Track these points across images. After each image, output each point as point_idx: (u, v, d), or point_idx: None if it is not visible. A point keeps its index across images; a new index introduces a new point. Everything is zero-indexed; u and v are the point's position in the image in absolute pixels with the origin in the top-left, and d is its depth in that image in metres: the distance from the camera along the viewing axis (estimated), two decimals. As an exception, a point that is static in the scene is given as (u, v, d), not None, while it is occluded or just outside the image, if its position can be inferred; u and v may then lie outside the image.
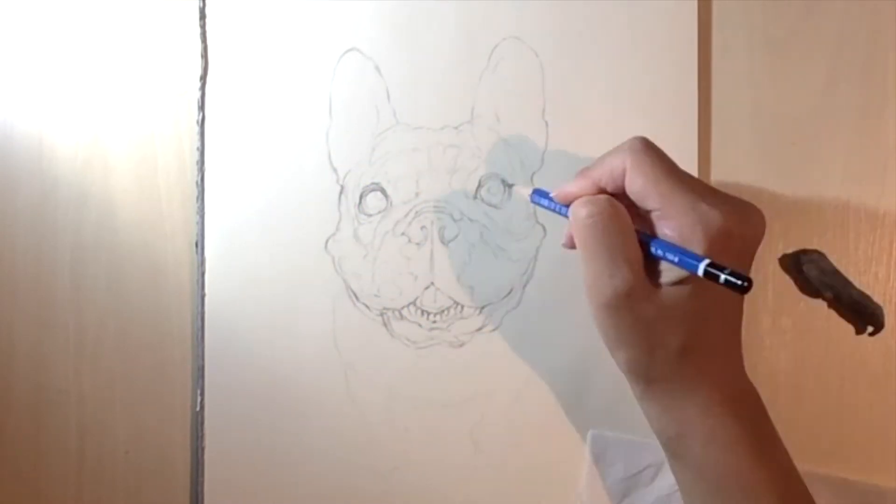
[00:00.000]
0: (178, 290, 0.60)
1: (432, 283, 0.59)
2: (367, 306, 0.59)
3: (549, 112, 0.60)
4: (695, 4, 0.60)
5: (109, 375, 0.60)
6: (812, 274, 0.59)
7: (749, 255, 0.48)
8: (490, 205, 0.59)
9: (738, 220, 0.46)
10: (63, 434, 0.60)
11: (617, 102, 0.60)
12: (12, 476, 0.59)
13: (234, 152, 0.59)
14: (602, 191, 0.49)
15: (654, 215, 0.48)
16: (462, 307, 0.59)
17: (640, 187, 0.47)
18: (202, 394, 0.58)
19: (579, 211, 0.48)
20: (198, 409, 0.58)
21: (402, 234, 0.59)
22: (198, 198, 0.59)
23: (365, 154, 0.59)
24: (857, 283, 0.60)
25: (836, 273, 0.59)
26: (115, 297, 0.60)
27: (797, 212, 0.61)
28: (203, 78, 0.59)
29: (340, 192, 0.59)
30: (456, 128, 0.60)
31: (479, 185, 0.59)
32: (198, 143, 0.59)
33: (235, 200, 0.59)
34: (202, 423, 0.58)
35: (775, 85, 0.61)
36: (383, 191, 0.59)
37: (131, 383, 0.60)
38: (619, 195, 0.49)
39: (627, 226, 0.48)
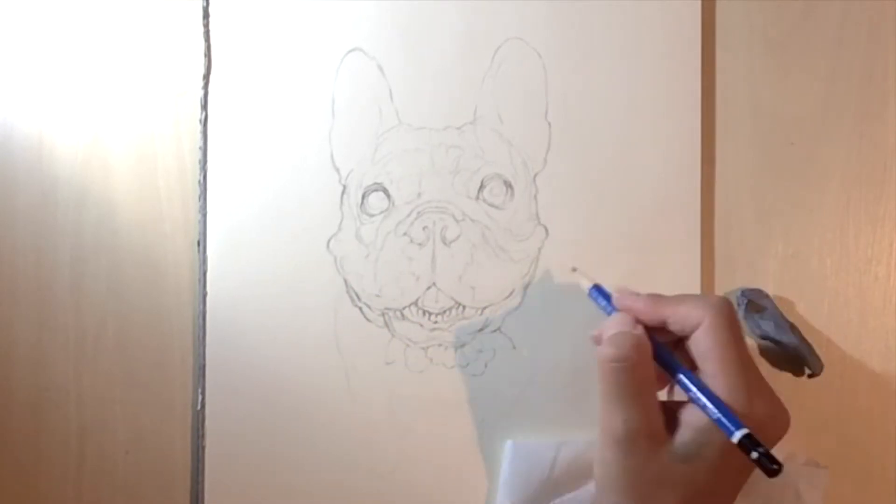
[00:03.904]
0: (178, 290, 0.60)
1: (434, 284, 0.59)
2: (368, 306, 0.59)
3: (552, 113, 0.60)
4: (698, 5, 0.60)
5: (109, 375, 0.60)
6: (749, 322, 0.59)
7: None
8: (492, 205, 0.59)
9: (771, 420, 0.48)
10: (63, 434, 0.59)
11: (620, 103, 0.60)
12: (12, 476, 0.59)
13: (237, 151, 0.59)
14: (662, 328, 0.50)
15: (700, 371, 0.49)
16: (463, 308, 0.59)
17: (707, 349, 0.48)
18: (203, 393, 0.58)
19: (607, 351, 0.49)
20: (198, 408, 0.58)
21: (404, 234, 0.59)
22: (200, 196, 0.59)
23: (367, 154, 0.59)
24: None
25: (776, 319, 0.59)
26: (115, 297, 0.60)
27: (797, 212, 0.61)
28: (206, 77, 0.59)
29: (343, 192, 0.59)
30: (459, 128, 0.60)
31: (482, 186, 0.59)
32: (200, 143, 0.59)
33: (238, 199, 0.59)
34: (203, 423, 0.58)
35: (775, 85, 0.61)
36: (385, 191, 0.59)
37: (131, 383, 0.60)
38: (674, 337, 0.50)
39: (650, 379, 0.49)
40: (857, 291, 0.61)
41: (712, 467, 0.47)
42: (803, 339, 0.59)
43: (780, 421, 0.49)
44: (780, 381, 0.60)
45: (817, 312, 0.61)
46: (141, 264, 0.60)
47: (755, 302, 0.59)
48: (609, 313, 0.53)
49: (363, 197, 0.59)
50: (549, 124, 0.60)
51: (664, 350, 0.50)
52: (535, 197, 0.60)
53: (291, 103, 0.59)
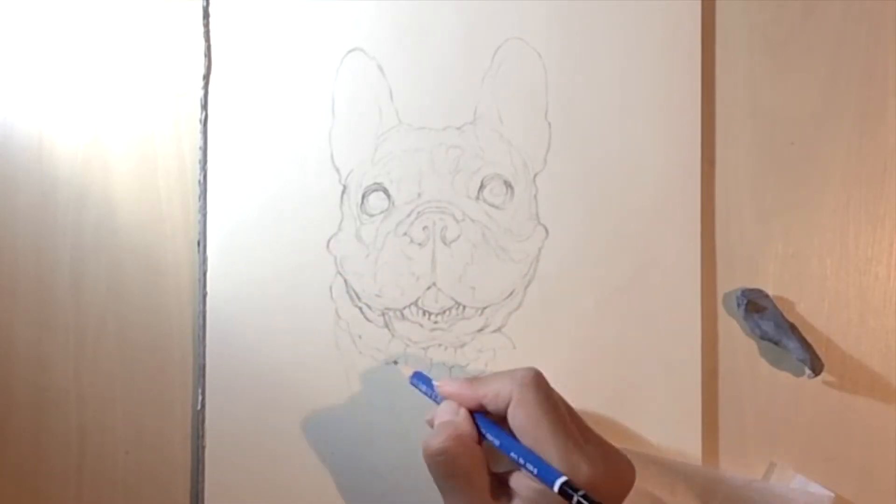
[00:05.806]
0: (178, 290, 0.60)
1: (434, 284, 0.59)
2: (368, 306, 0.59)
3: (552, 113, 0.60)
4: (698, 5, 0.60)
5: (109, 375, 0.60)
6: (749, 322, 0.59)
7: None
8: (492, 205, 0.59)
9: (605, 475, 0.47)
10: (63, 434, 0.59)
11: (620, 103, 0.60)
12: (12, 476, 0.59)
13: (237, 151, 0.59)
14: (482, 408, 0.51)
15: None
16: (464, 308, 0.59)
17: (520, 424, 0.49)
18: (203, 393, 0.58)
19: (431, 443, 0.50)
20: (198, 408, 0.58)
21: (405, 234, 0.59)
22: (200, 196, 0.59)
23: (367, 154, 0.60)
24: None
25: (776, 319, 0.59)
26: (115, 297, 0.60)
27: (797, 212, 0.61)
28: (206, 77, 0.59)
29: (343, 192, 0.59)
30: (459, 128, 0.60)
31: (482, 186, 0.59)
32: (200, 143, 0.59)
33: (238, 199, 0.59)
34: (203, 423, 0.58)
35: (775, 85, 0.61)
36: (385, 191, 0.59)
37: (131, 383, 0.60)
38: (500, 416, 0.50)
39: (475, 462, 0.49)
40: (857, 291, 0.61)
41: None
42: (803, 340, 0.59)
43: (616, 476, 0.49)
44: (780, 381, 0.60)
45: (817, 312, 0.61)
46: (141, 264, 0.60)
47: (755, 302, 0.59)
48: (434, 399, 0.53)
49: (363, 197, 0.59)
50: (549, 124, 0.60)
51: (488, 424, 0.51)
52: (535, 197, 0.60)
53: (291, 103, 0.59)
